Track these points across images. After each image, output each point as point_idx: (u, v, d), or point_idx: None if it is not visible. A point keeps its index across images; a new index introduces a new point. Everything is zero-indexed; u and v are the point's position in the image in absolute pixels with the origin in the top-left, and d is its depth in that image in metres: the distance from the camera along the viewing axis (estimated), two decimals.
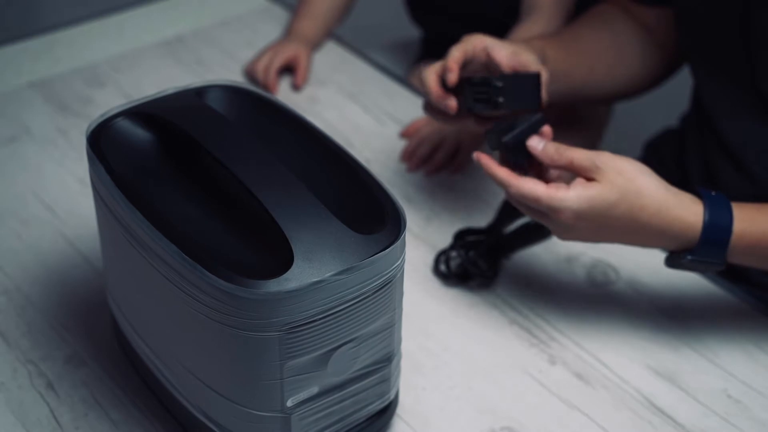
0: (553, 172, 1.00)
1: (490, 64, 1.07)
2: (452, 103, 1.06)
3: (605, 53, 1.23)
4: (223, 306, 0.77)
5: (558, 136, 1.03)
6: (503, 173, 0.97)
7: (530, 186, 0.95)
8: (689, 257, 0.96)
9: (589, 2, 1.33)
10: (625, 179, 0.94)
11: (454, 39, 1.68)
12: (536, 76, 1.03)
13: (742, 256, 0.98)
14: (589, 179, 0.95)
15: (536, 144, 0.98)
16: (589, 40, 1.23)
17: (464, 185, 1.26)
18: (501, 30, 1.47)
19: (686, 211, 0.95)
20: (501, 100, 1.02)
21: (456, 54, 1.08)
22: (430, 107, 1.11)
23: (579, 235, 0.98)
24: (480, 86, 1.03)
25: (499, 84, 1.02)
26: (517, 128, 0.99)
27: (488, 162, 0.98)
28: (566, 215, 0.94)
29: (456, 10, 1.64)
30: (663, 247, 1.00)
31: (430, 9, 1.68)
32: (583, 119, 1.54)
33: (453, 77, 1.06)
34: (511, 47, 1.07)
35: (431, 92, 1.07)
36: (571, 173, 0.97)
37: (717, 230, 0.95)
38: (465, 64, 1.08)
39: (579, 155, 0.95)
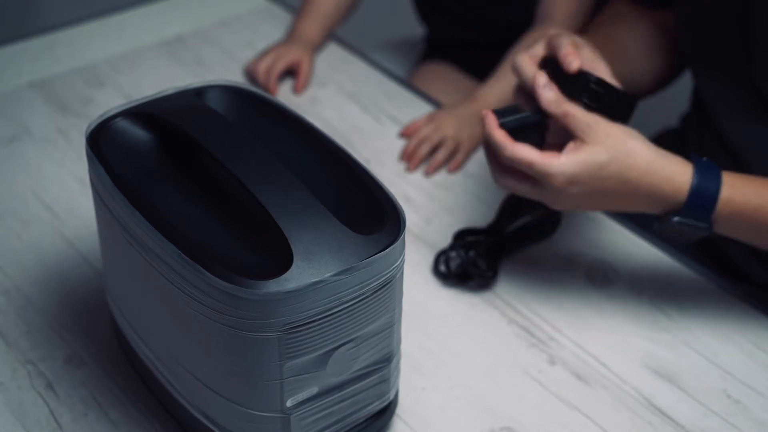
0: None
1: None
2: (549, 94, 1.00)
3: (636, 49, 1.24)
4: (223, 306, 0.77)
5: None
6: (500, 135, 0.98)
7: (525, 151, 0.96)
8: (676, 218, 0.98)
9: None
10: (615, 140, 0.96)
11: (457, 40, 1.69)
12: (633, 101, 1.01)
13: (728, 224, 0.99)
14: (578, 140, 0.96)
15: (543, 81, 0.99)
16: (620, 38, 1.23)
17: (464, 185, 1.26)
18: (505, 34, 1.47)
19: (675, 172, 0.97)
20: (595, 105, 0.99)
21: (567, 40, 1.02)
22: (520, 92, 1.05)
23: (571, 202, 0.98)
24: (583, 82, 0.99)
25: (600, 90, 0.99)
26: (519, 114, 1.00)
27: (491, 122, 0.99)
28: (559, 180, 0.95)
29: (460, 12, 1.64)
30: (651, 211, 1.00)
31: (435, 7, 1.68)
32: None
33: (576, 64, 1.00)
34: (574, 40, 1.04)
35: (535, 80, 1.00)
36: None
37: (704, 191, 0.97)
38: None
39: (575, 110, 0.97)
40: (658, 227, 1.01)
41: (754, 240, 1.03)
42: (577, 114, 0.97)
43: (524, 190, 1.00)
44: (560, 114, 0.97)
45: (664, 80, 1.29)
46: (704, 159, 0.99)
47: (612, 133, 0.96)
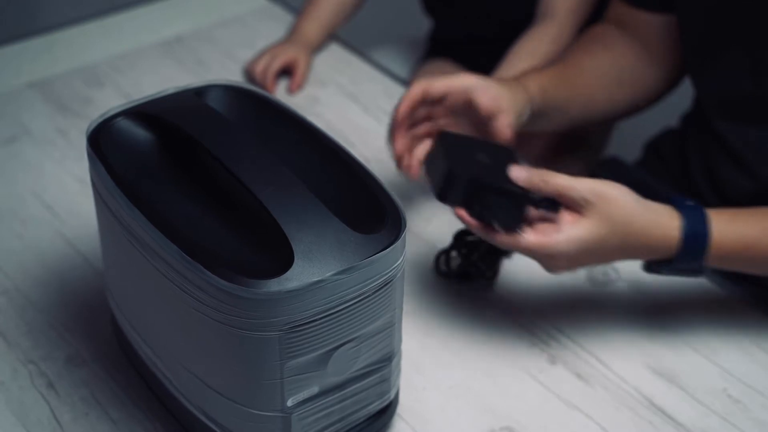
0: None
1: (469, 107, 1.06)
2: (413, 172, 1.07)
3: (605, 80, 1.22)
4: (224, 305, 0.77)
5: (557, 162, 1.04)
6: (500, 236, 0.94)
7: (523, 240, 0.93)
8: (668, 267, 0.98)
9: (602, 12, 1.32)
10: (615, 208, 0.94)
11: (461, 34, 1.68)
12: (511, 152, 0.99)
13: (720, 262, 1.00)
14: (575, 213, 0.94)
15: (519, 173, 0.95)
16: (589, 68, 1.22)
17: None
18: (509, 30, 1.47)
19: (665, 225, 0.96)
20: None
21: (412, 95, 1.06)
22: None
23: (574, 267, 0.98)
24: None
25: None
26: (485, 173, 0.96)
27: (483, 228, 0.95)
28: (561, 261, 0.95)
29: (461, 6, 1.64)
30: (645, 259, 1.00)
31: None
32: (582, 141, 1.53)
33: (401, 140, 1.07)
34: (494, 90, 1.05)
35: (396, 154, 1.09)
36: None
37: (694, 242, 0.97)
38: (441, 99, 1.07)
39: (565, 184, 0.93)
40: (649, 270, 1.01)
41: (749, 270, 1.04)
42: (567, 186, 0.93)
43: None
44: (552, 192, 0.94)
45: (652, 99, 1.28)
46: (689, 202, 0.98)
47: (610, 200, 0.94)
